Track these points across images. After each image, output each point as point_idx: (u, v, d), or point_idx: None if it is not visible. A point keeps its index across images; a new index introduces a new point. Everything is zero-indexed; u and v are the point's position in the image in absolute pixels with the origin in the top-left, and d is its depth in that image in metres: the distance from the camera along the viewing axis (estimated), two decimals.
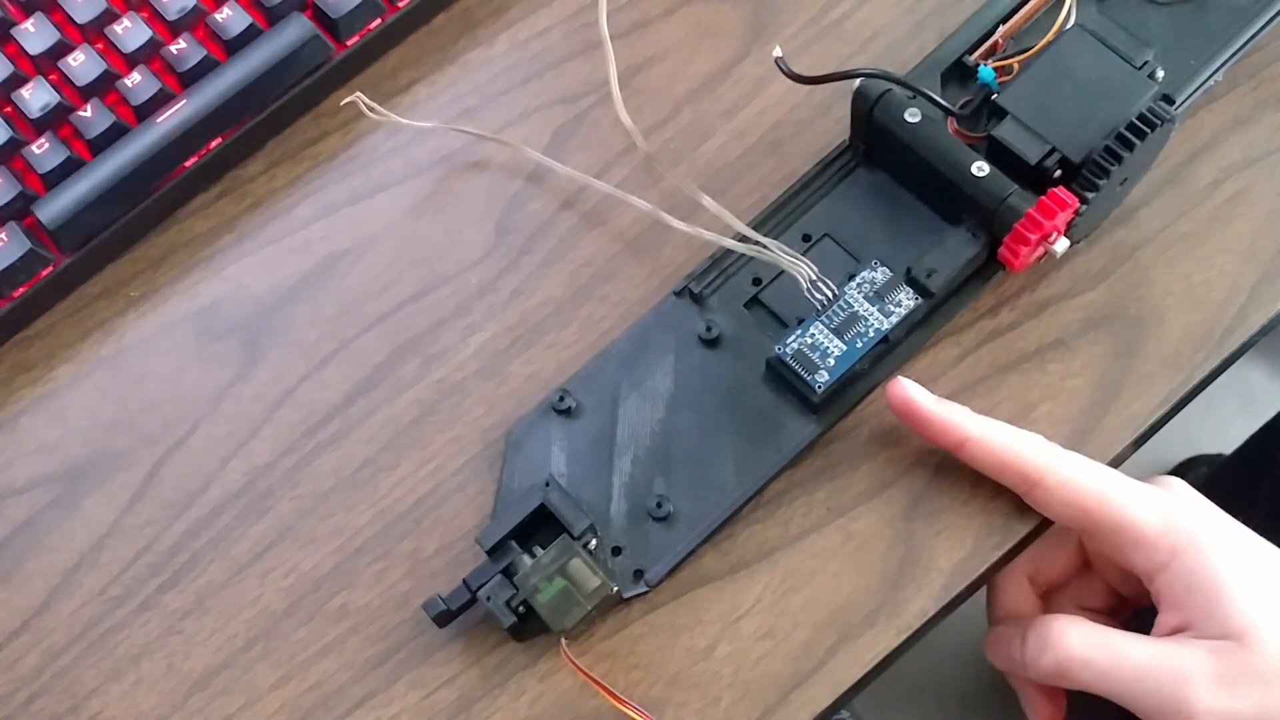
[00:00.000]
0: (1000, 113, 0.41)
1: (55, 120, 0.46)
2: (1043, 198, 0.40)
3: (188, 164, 0.47)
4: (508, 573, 0.39)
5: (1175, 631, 0.38)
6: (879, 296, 0.42)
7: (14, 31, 0.47)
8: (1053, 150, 0.40)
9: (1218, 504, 0.40)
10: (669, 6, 0.50)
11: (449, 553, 0.42)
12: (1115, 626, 0.39)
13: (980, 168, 0.41)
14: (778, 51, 0.42)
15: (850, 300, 0.42)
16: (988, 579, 0.41)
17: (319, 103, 0.49)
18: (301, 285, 0.47)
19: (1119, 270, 0.44)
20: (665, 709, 0.40)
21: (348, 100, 0.48)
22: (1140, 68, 0.41)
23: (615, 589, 0.39)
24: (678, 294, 0.44)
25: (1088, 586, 0.44)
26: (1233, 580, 0.37)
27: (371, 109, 0.48)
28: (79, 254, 0.46)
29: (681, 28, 0.50)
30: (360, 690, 0.41)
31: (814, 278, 0.41)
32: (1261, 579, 0.38)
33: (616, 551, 0.41)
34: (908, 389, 0.40)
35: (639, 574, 0.40)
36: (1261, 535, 0.40)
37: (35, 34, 0.47)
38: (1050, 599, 0.45)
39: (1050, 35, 0.43)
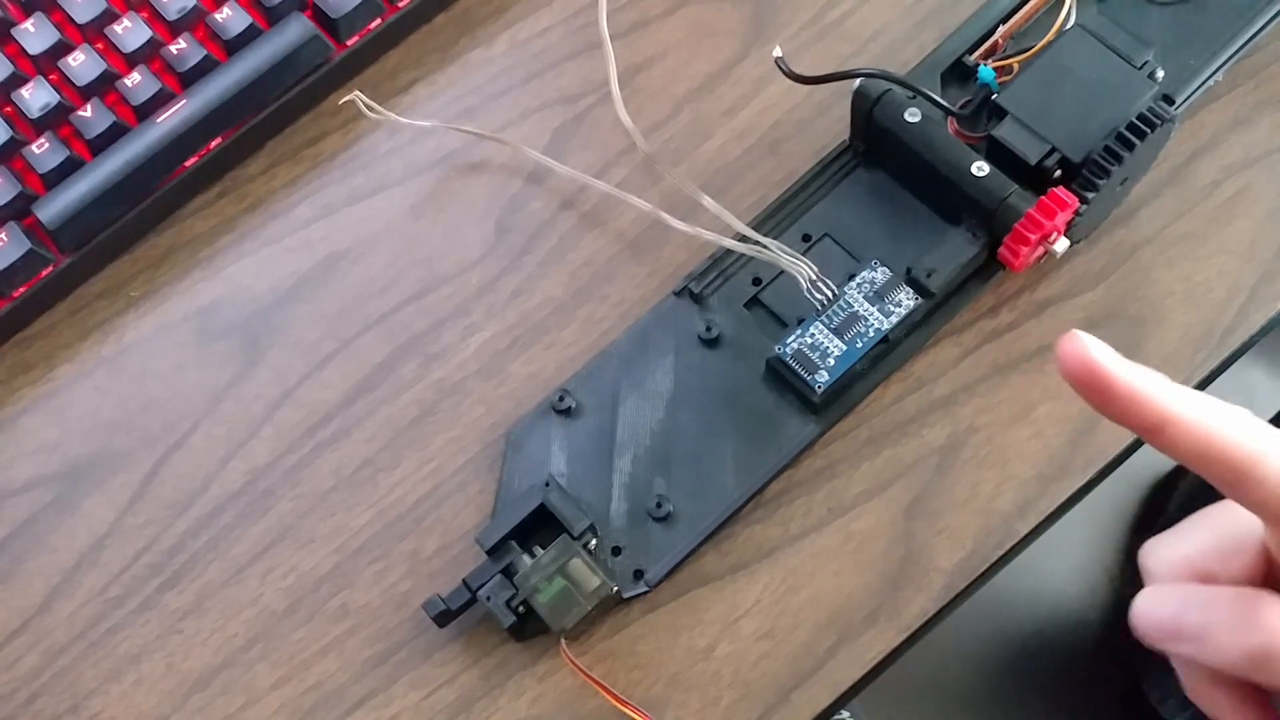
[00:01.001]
0: (1000, 113, 0.41)
1: (55, 120, 0.46)
2: (1043, 198, 0.40)
3: (188, 164, 0.47)
4: (508, 573, 0.39)
5: None
6: (879, 296, 0.42)
7: (14, 31, 0.47)
8: (1053, 150, 0.40)
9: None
10: (669, 6, 0.50)
11: (449, 553, 0.42)
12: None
13: (980, 168, 0.41)
14: (778, 51, 0.42)
15: (850, 300, 0.42)
16: (988, 579, 0.41)
17: (319, 103, 0.49)
18: (301, 285, 0.47)
19: (1119, 270, 0.44)
20: (665, 709, 0.40)
21: (347, 99, 0.48)
22: (1140, 68, 0.41)
23: (615, 589, 0.39)
24: (678, 294, 0.44)
25: None
26: None
27: (371, 108, 0.48)
28: (79, 254, 0.46)
29: (681, 28, 0.50)
30: (360, 690, 0.41)
31: (814, 278, 0.41)
32: None
33: (616, 551, 0.41)
34: (1087, 347, 0.31)
35: (639, 574, 0.40)
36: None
37: (35, 34, 0.47)
38: None
39: (1050, 35, 0.43)
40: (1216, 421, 0.30)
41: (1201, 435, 0.30)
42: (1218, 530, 0.33)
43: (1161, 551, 0.34)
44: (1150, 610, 0.33)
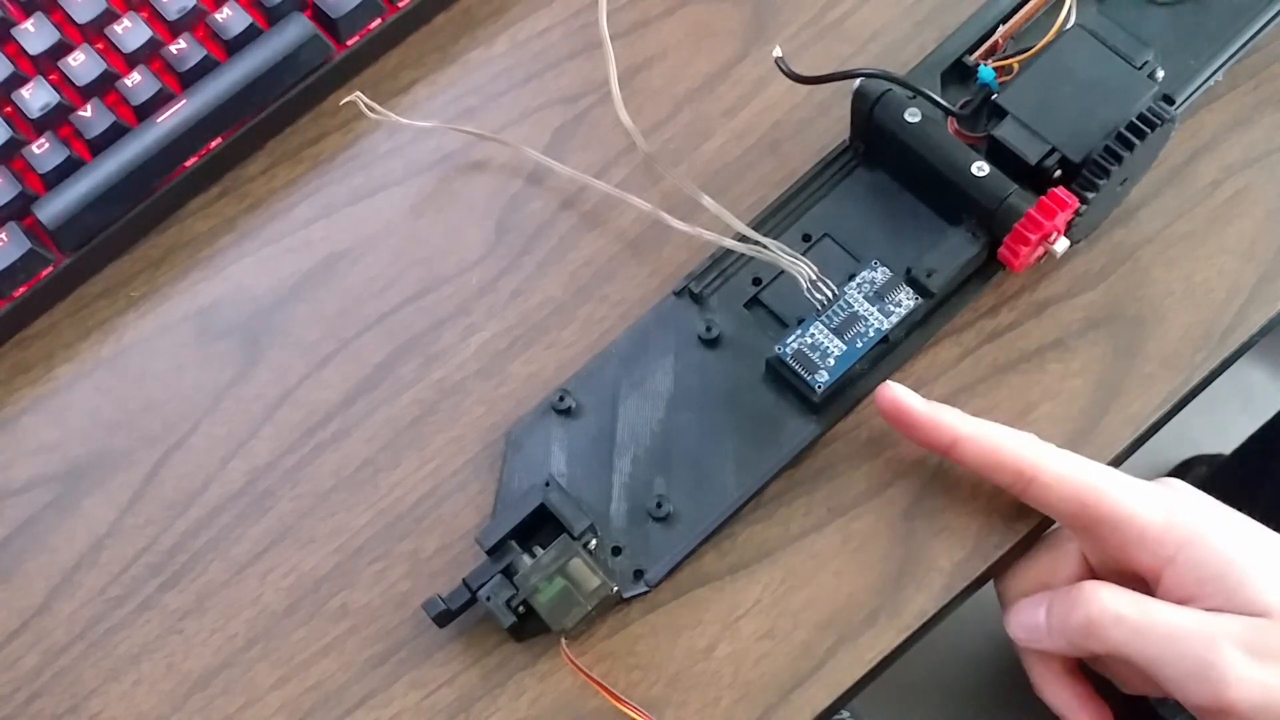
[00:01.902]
0: (1000, 113, 0.41)
1: (55, 120, 0.46)
2: (1043, 198, 0.40)
3: (188, 164, 0.47)
4: (508, 572, 0.39)
5: None
6: (879, 296, 0.42)
7: (14, 31, 0.47)
8: (1053, 150, 0.40)
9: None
10: (669, 6, 0.50)
11: (449, 553, 0.42)
12: None
13: (980, 168, 0.41)
14: (778, 51, 0.42)
15: (850, 300, 0.42)
16: (988, 579, 0.41)
17: (319, 103, 0.49)
18: (301, 285, 0.47)
19: (1119, 270, 0.44)
20: (665, 709, 0.40)
21: (347, 100, 0.48)
22: (1140, 68, 0.41)
23: (615, 589, 0.39)
24: (678, 294, 0.44)
25: None
26: (1247, 563, 0.36)
27: (371, 109, 0.48)
28: (79, 254, 0.46)
29: (681, 28, 0.50)
30: (360, 690, 0.41)
31: (814, 278, 0.41)
32: (1275, 559, 0.37)
33: (616, 551, 0.41)
34: (896, 392, 0.40)
35: (639, 574, 0.40)
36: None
37: (35, 34, 0.47)
38: None
39: (1050, 35, 0.43)
40: (997, 438, 0.39)
41: (987, 448, 0.39)
42: (1049, 544, 0.41)
43: (1007, 579, 0.42)
44: (1015, 621, 0.40)
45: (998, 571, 0.42)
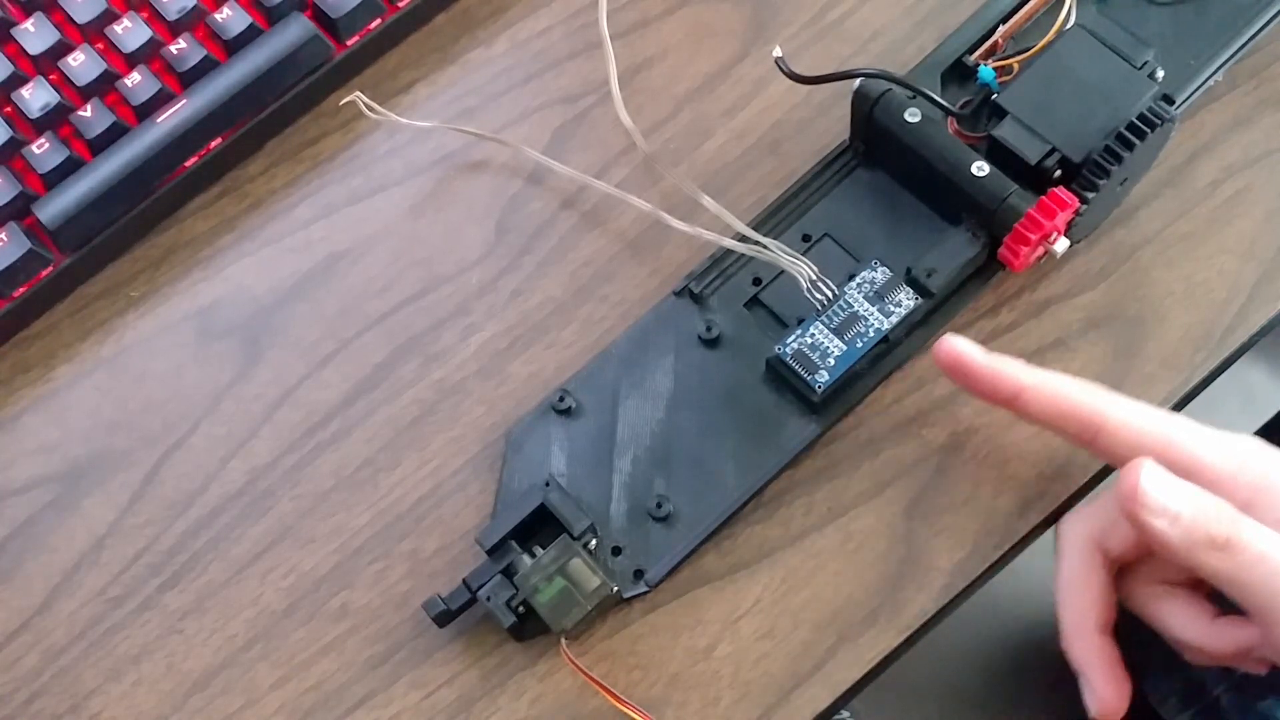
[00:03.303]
0: (1000, 113, 0.41)
1: (55, 120, 0.46)
2: (1043, 198, 0.40)
3: (188, 164, 0.47)
4: (508, 572, 0.39)
5: None
6: (879, 296, 0.42)
7: (14, 31, 0.47)
8: (1053, 150, 0.40)
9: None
10: (669, 6, 0.50)
11: (449, 553, 0.42)
12: (1198, 599, 0.38)
13: (980, 168, 0.41)
14: (777, 51, 0.42)
15: (850, 300, 0.42)
16: (988, 579, 0.41)
17: (319, 103, 0.49)
18: (301, 285, 0.47)
19: (1119, 270, 0.44)
20: (665, 709, 0.40)
21: (347, 100, 0.48)
22: (1140, 68, 0.41)
23: (615, 589, 0.39)
24: (678, 294, 0.44)
25: (1163, 560, 0.39)
26: None
27: (371, 109, 0.48)
28: (79, 254, 0.46)
29: (681, 28, 0.50)
30: (360, 690, 0.41)
31: (814, 278, 0.41)
32: None
33: (616, 551, 0.41)
34: (957, 344, 0.39)
35: (639, 574, 0.40)
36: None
37: (35, 34, 0.47)
38: (1124, 576, 0.40)
39: (1050, 35, 0.43)
40: (1064, 387, 0.38)
41: (1051, 397, 0.38)
42: (1112, 501, 0.38)
43: (1070, 521, 0.40)
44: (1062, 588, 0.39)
45: (996, 572, 0.41)
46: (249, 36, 0.47)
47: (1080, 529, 0.39)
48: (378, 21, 0.49)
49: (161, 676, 0.42)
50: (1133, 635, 0.40)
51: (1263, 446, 0.37)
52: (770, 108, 0.48)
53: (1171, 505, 0.35)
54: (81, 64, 0.47)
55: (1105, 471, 0.42)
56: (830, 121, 0.47)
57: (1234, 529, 0.35)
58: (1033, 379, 0.38)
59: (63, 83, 0.47)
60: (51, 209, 0.45)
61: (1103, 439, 0.37)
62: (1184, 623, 0.39)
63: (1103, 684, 0.39)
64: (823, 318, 0.42)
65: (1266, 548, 0.34)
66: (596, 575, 0.38)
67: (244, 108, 0.47)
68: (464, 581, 0.39)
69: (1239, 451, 0.37)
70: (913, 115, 0.42)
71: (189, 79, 0.47)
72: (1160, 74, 0.42)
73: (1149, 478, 0.35)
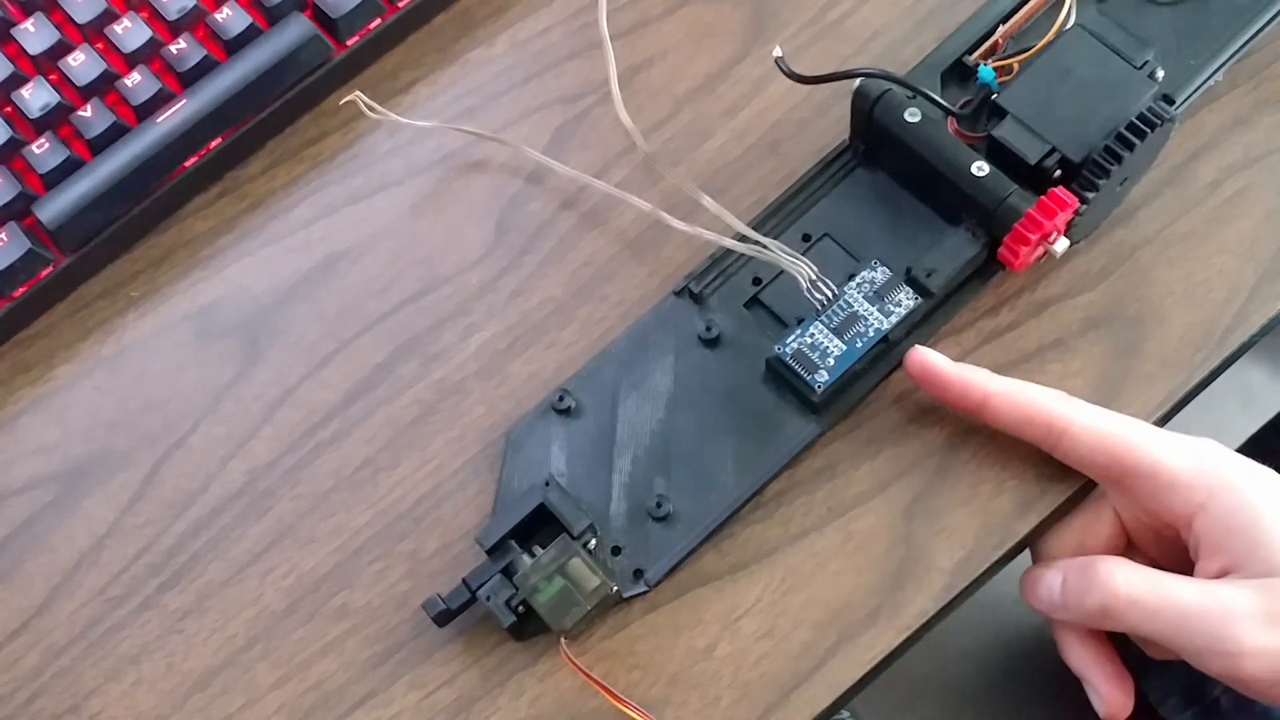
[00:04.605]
0: (1000, 112, 0.41)
1: (55, 120, 0.46)
2: (1042, 198, 0.40)
3: (188, 164, 0.47)
4: (507, 572, 0.39)
5: (1219, 575, 0.37)
6: (879, 296, 0.42)
7: (14, 31, 0.47)
8: (1053, 150, 0.40)
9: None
10: (669, 6, 0.50)
11: (449, 553, 0.42)
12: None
13: (980, 167, 0.41)
14: (777, 51, 0.42)
15: (850, 300, 0.42)
16: (988, 579, 0.41)
17: (319, 103, 0.49)
18: (301, 285, 0.47)
19: (1119, 270, 0.44)
20: (665, 709, 0.40)
21: (348, 99, 0.48)
22: (1140, 68, 0.41)
23: (615, 588, 0.39)
24: (677, 294, 0.44)
25: (1137, 553, 0.42)
26: (1274, 517, 0.37)
27: (371, 108, 0.48)
28: (79, 254, 0.46)
29: (681, 28, 0.50)
30: (360, 690, 0.41)
31: (814, 277, 0.41)
32: None
33: (616, 551, 0.41)
34: (925, 354, 0.41)
35: (638, 574, 0.40)
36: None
37: (35, 34, 0.47)
38: None
39: (1050, 35, 0.43)
40: (1027, 393, 0.40)
41: (1017, 404, 0.39)
42: (1083, 510, 0.41)
43: (1043, 541, 0.42)
44: (1029, 588, 0.41)
45: (996, 572, 0.42)
46: (249, 36, 0.47)
47: (1059, 538, 0.42)
48: (378, 21, 0.49)
49: (161, 676, 0.42)
50: (1131, 634, 0.40)
51: (1219, 448, 0.39)
52: (770, 108, 0.48)
53: (1049, 595, 0.39)
54: (81, 64, 0.47)
55: None
56: (830, 121, 0.47)
57: (1104, 594, 0.37)
58: (998, 386, 0.40)
59: (63, 83, 0.47)
60: (51, 209, 0.45)
61: (1065, 443, 0.39)
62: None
63: (1105, 686, 0.41)
64: (822, 318, 0.42)
65: (1133, 593, 0.37)
66: (596, 575, 0.38)
67: (244, 108, 0.47)
68: (463, 581, 0.39)
69: (1196, 452, 0.38)
70: (913, 115, 0.42)
71: (189, 79, 0.47)
72: (1160, 74, 0.42)
73: (1027, 591, 0.41)
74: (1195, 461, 0.38)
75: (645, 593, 0.40)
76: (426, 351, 0.45)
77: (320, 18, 0.48)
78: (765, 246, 0.42)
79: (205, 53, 0.47)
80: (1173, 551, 0.39)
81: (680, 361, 0.43)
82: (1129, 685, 0.41)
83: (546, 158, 0.47)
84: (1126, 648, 0.42)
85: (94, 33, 0.47)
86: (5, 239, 0.45)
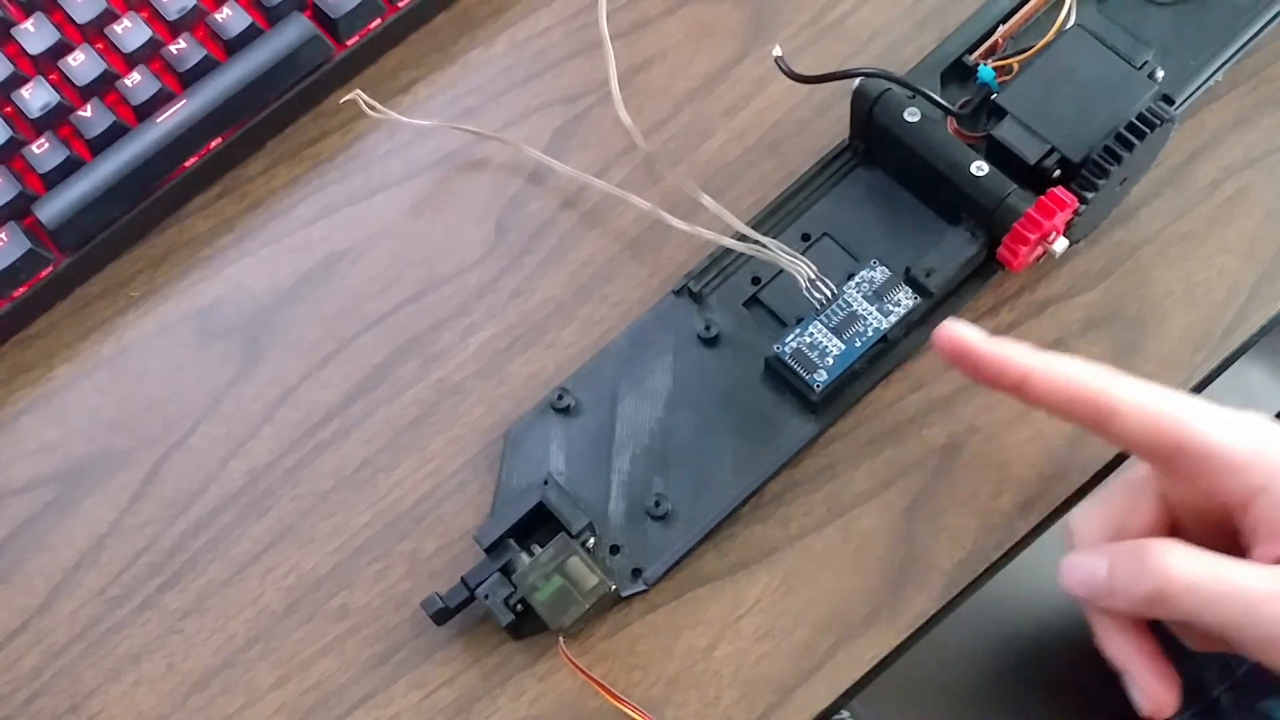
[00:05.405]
0: (1000, 112, 0.41)
1: (55, 120, 0.46)
2: (1042, 197, 0.40)
3: (188, 164, 0.47)
4: (506, 571, 0.39)
5: (1277, 563, 0.34)
6: (878, 296, 0.42)
7: (14, 31, 0.47)
8: (1052, 150, 0.40)
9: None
10: (669, 6, 0.50)
11: (449, 552, 0.42)
12: None
13: (979, 167, 0.41)
14: (777, 51, 0.42)
15: (849, 299, 0.42)
16: (988, 579, 0.41)
17: (319, 103, 0.49)
18: (301, 285, 0.47)
19: (1119, 270, 0.44)
20: (665, 709, 0.40)
21: (348, 99, 0.48)
22: (1140, 68, 0.41)
23: (613, 587, 0.39)
24: (677, 293, 0.44)
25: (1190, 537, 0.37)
26: None
27: (372, 107, 0.48)
28: (79, 254, 0.46)
29: (681, 28, 0.50)
30: (360, 690, 0.41)
31: (813, 277, 0.41)
32: None
33: (615, 550, 0.41)
34: (957, 329, 0.37)
35: (637, 573, 0.40)
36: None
37: (35, 34, 0.47)
38: None
39: (1050, 35, 0.43)
40: (1072, 369, 0.36)
41: (1060, 381, 0.36)
42: (1125, 485, 0.38)
43: (1081, 513, 0.38)
44: (1070, 574, 0.37)
45: (996, 572, 0.41)
46: (249, 36, 0.47)
47: (1095, 520, 0.38)
48: (378, 21, 0.49)
49: (161, 676, 0.42)
50: None
51: (1276, 427, 0.36)
52: (770, 107, 0.48)
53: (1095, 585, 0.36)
54: (81, 64, 0.47)
55: (1106, 471, 0.42)
56: (830, 121, 0.47)
57: (1158, 579, 0.34)
58: (1040, 362, 0.37)
59: (63, 83, 0.47)
60: (51, 209, 0.45)
61: (1114, 424, 0.36)
62: None
63: (1149, 680, 0.37)
64: (822, 317, 0.42)
65: (1191, 578, 0.34)
66: (594, 574, 0.38)
67: (244, 108, 0.47)
68: (462, 580, 0.39)
69: (1254, 432, 0.35)
70: (912, 115, 0.42)
71: (189, 79, 0.47)
72: (1160, 74, 0.42)
73: (1066, 576, 0.37)
74: (1253, 442, 0.35)
75: (644, 592, 0.40)
76: (426, 352, 0.45)
77: (320, 18, 0.48)
78: (765, 246, 0.42)
79: (205, 53, 0.47)
80: (1220, 535, 0.36)
81: (679, 361, 0.43)
82: (1174, 681, 0.37)
83: (546, 157, 0.47)
84: None
85: (94, 33, 0.47)
86: (5, 239, 0.45)
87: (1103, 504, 0.38)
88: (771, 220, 0.45)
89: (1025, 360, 0.37)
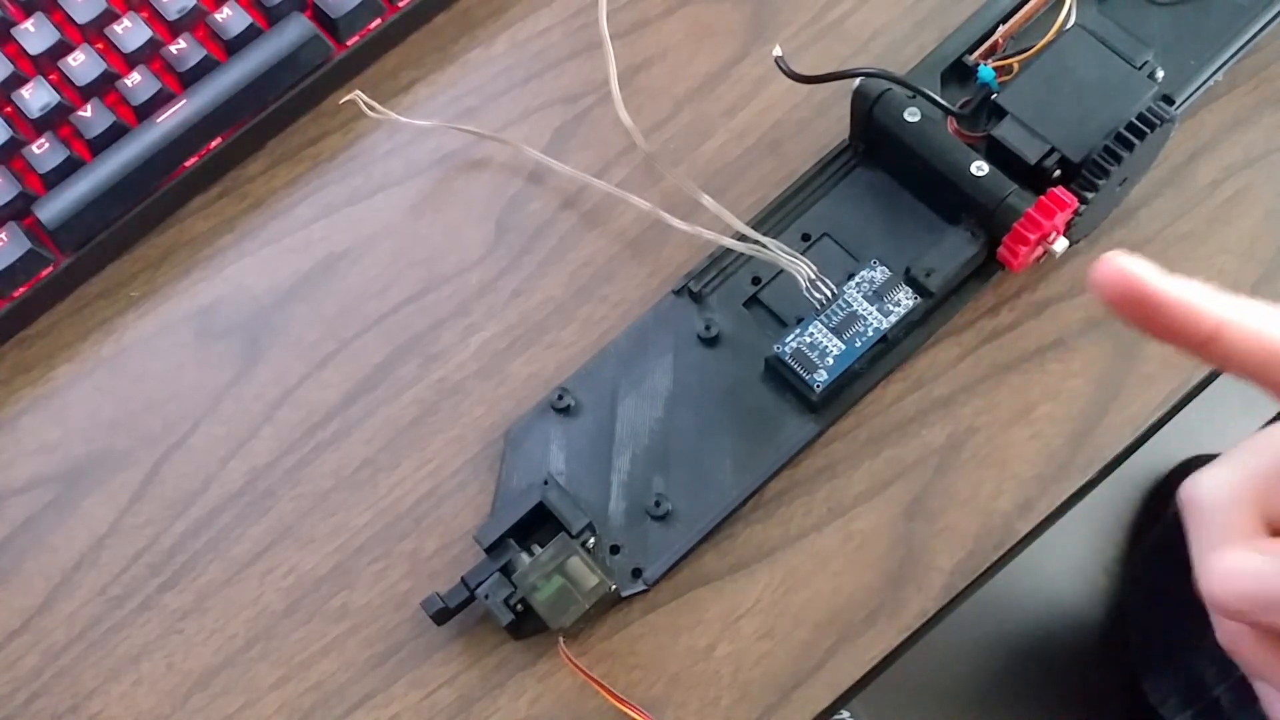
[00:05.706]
0: (1000, 112, 0.41)
1: (55, 120, 0.46)
2: (1042, 197, 0.40)
3: (188, 164, 0.47)
4: (506, 571, 0.39)
5: None
6: (878, 296, 0.42)
7: (14, 31, 0.47)
8: (1052, 150, 0.40)
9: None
10: (669, 6, 0.50)
11: (449, 552, 0.42)
12: None
13: (979, 167, 0.41)
14: (777, 51, 0.42)
15: (849, 299, 0.42)
16: (988, 579, 0.41)
17: (319, 103, 0.49)
18: (301, 285, 0.47)
19: None
20: (665, 709, 0.40)
21: (348, 99, 0.48)
22: (1140, 68, 0.41)
23: (613, 587, 0.39)
24: (677, 293, 0.44)
25: None
26: None
27: (372, 107, 0.48)
28: (79, 254, 0.46)
29: (681, 28, 0.50)
30: (360, 690, 0.41)
31: (813, 277, 0.41)
32: None
33: (615, 550, 0.41)
34: (1128, 265, 0.29)
35: (637, 572, 0.40)
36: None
37: (35, 34, 0.47)
38: None
39: (1050, 35, 0.43)
40: (1276, 325, 0.28)
41: (1260, 340, 0.28)
42: (1269, 455, 0.30)
43: (1208, 483, 0.29)
44: (1227, 580, 0.28)
45: (996, 571, 0.41)
46: (249, 36, 0.47)
47: (1232, 493, 0.29)
48: (378, 21, 0.49)
49: (161, 676, 0.42)
50: (1131, 633, 0.40)
51: None
52: (770, 107, 0.48)
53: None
54: (81, 64, 0.47)
55: (1106, 471, 0.42)
56: (830, 121, 0.47)
57: None
58: (1237, 314, 0.29)
59: (63, 83, 0.47)
60: (51, 209, 0.45)
61: None
62: None
63: None
64: (822, 317, 0.42)
65: None
66: (594, 574, 0.38)
67: (244, 108, 0.47)
68: (462, 579, 0.39)
69: None
70: (912, 115, 0.42)
71: (189, 79, 0.47)
72: (1160, 74, 0.42)
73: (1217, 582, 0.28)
74: None
75: (644, 591, 0.40)
76: (426, 352, 0.45)
77: (320, 18, 0.48)
78: (765, 246, 0.42)
79: (205, 53, 0.47)
80: None
81: (679, 361, 0.43)
82: None
83: (546, 157, 0.47)
84: (1125, 649, 0.41)
85: (94, 33, 0.47)
86: (5, 239, 0.45)
87: (1242, 474, 0.29)
88: (771, 220, 0.45)
89: (1219, 311, 0.29)
